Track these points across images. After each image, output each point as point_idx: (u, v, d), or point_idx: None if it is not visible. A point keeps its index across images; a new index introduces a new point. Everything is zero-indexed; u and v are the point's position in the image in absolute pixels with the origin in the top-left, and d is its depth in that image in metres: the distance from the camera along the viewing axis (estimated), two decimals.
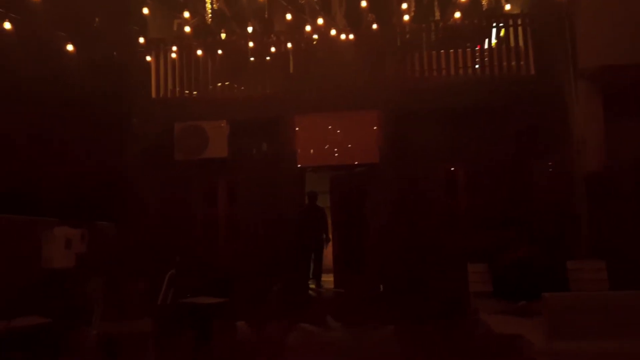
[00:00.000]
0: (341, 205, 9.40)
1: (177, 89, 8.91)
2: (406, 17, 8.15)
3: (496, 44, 8.86)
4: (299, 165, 8.49)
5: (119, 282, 5.59)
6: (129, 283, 5.70)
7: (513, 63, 8.36)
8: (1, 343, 3.95)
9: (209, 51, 8.81)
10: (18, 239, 5.89)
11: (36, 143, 6.68)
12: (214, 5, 8.56)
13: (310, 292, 8.67)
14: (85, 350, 4.55)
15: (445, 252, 7.62)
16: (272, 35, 8.84)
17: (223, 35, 8.99)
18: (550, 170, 7.83)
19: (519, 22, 8.44)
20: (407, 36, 8.66)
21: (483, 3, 8.66)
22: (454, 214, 8.11)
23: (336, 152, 8.43)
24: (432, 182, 8.31)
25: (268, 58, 8.72)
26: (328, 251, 9.57)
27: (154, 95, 8.85)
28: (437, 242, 7.89)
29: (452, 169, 8.47)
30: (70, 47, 6.38)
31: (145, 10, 7.91)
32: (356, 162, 8.43)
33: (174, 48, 8.75)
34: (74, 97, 7.01)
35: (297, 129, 8.50)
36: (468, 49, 8.48)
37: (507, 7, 9.43)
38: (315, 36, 8.65)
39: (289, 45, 8.65)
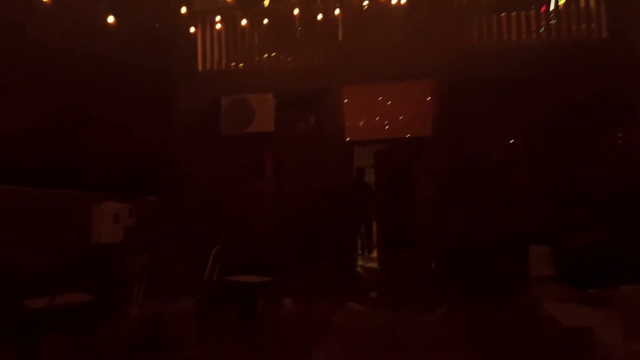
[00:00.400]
0: (387, 180, 9.01)
1: (223, 61, 8.70)
2: None
3: (563, 4, 8.06)
4: (347, 139, 8.15)
5: (164, 259, 5.52)
6: (174, 260, 5.63)
7: (583, 25, 7.60)
8: (42, 320, 3.93)
9: (254, 21, 8.51)
10: (68, 214, 5.91)
11: (83, 119, 6.65)
12: None
13: (358, 269, 8.42)
14: (126, 329, 4.51)
15: (504, 232, 7.14)
16: (319, 2, 8.42)
17: (267, 2, 8.65)
18: (624, 143, 7.11)
19: None
20: None
21: None
22: (513, 191, 7.54)
23: (386, 124, 8.02)
24: (489, 157, 7.78)
25: (315, 26, 8.32)
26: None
27: (199, 68, 8.69)
28: (494, 222, 7.41)
29: (512, 141, 7.87)
30: (111, 19, 6.25)
31: None
32: (408, 135, 7.98)
33: (218, 18, 8.50)
34: (119, 72, 6.92)
35: (345, 100, 8.13)
36: (532, 11, 7.77)
37: None
38: (365, 1, 8.16)
39: (337, 11, 8.21)
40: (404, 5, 7.85)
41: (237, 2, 8.14)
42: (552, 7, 8.07)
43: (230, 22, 8.55)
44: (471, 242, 7.50)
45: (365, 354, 4.72)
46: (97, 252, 5.74)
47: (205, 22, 8.63)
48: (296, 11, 8.25)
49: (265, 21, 8.50)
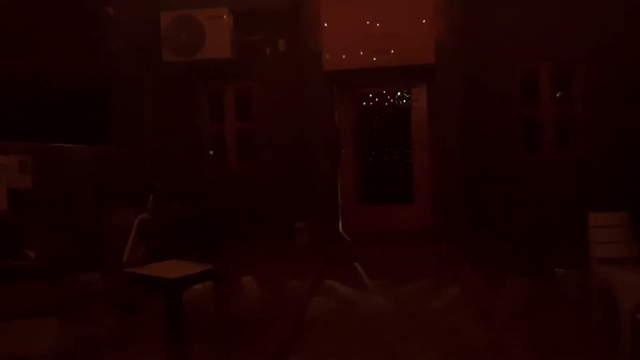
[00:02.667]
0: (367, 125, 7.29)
1: None
2: None
3: None
4: (325, 70, 6.32)
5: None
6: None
7: None
8: None
9: None
10: None
11: None
12: None
13: (342, 233, 6.82)
14: None
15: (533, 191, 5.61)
16: None
17: None
18: None
19: None
20: None
21: None
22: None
23: (377, 50, 6.18)
24: (512, 87, 6.14)
25: None
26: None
27: None
28: (518, 177, 5.87)
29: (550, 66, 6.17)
30: None
31: None
32: (404, 64, 6.17)
33: None
34: None
35: (323, 19, 6.24)
36: None
37: None
38: None
39: None
40: None
41: None
42: None
43: None
44: (477, 200, 5.98)
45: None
46: None
47: None
48: None
49: None
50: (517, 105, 6.22)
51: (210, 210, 4.98)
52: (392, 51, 6.10)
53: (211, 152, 6.96)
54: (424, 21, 6.04)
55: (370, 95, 7.16)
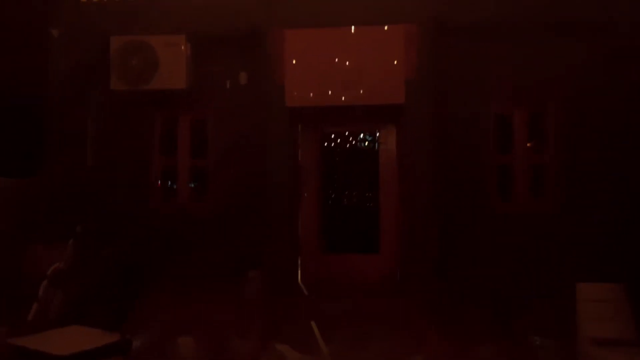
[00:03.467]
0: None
1: None
2: None
3: None
4: (289, 106, 5.85)
5: None
6: None
7: None
8: None
9: None
10: None
11: None
12: None
13: (301, 284, 6.20)
14: None
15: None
16: None
17: None
18: None
19: None
20: None
21: None
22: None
23: (345, 88, 5.74)
24: (484, 133, 5.79)
25: None
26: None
27: None
28: (491, 227, 5.44)
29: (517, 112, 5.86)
30: None
31: None
32: (374, 103, 5.74)
33: None
34: None
35: (287, 52, 5.81)
36: None
37: None
38: None
39: None
40: None
41: None
42: None
43: None
44: (449, 252, 5.52)
45: None
46: None
47: None
48: None
49: None
50: (490, 151, 5.86)
51: (145, 255, 4.34)
52: (361, 90, 5.67)
53: (192, 185, 6.37)
54: (395, 62, 5.65)
55: (336, 135, 6.68)
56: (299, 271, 6.28)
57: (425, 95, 5.63)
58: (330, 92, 5.69)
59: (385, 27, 5.66)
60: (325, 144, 6.64)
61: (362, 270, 6.38)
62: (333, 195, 6.77)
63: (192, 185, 6.38)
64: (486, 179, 5.84)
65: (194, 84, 5.96)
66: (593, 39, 5.40)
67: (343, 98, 5.66)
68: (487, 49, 5.65)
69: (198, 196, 6.36)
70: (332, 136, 6.70)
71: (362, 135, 6.76)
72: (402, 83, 5.62)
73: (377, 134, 6.55)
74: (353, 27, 5.70)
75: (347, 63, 5.68)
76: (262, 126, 5.92)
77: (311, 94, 5.75)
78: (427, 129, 5.64)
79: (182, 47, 5.82)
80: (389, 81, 5.64)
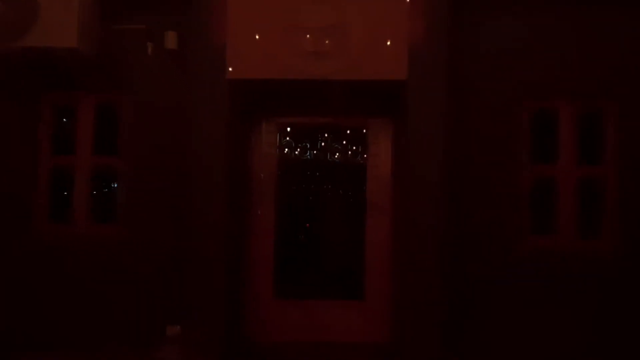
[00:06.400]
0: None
1: None
2: None
3: None
4: (229, 78, 3.87)
5: None
6: None
7: None
8: None
9: None
10: None
11: None
12: None
13: (246, 345, 4.21)
14: None
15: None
16: None
17: None
18: None
19: None
20: None
21: None
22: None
23: (316, 54, 3.80)
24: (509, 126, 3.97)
25: None
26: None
27: None
28: (524, 275, 3.71)
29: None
30: None
31: None
32: (360, 79, 3.81)
33: None
34: None
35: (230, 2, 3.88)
36: None
37: None
38: None
39: None
40: None
41: None
42: None
43: None
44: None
45: None
46: None
47: None
48: None
49: None
50: (521, 159, 4.03)
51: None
52: (342, 58, 3.75)
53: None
54: (394, 19, 3.76)
55: (304, 131, 4.68)
56: (245, 325, 4.32)
57: (439, 72, 3.77)
58: (295, 60, 3.75)
59: None
60: (286, 143, 4.65)
61: (340, 324, 4.43)
62: (299, 216, 4.78)
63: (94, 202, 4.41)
64: (518, 201, 3.99)
65: (98, 47, 4.03)
66: None
67: (313, 69, 3.72)
68: (524, 20, 3.87)
69: (103, 214, 4.38)
70: (297, 132, 4.68)
71: (342, 132, 4.75)
72: (404, 51, 3.74)
73: (364, 131, 4.62)
74: None
75: (322, 17, 3.75)
76: (196, 112, 3.98)
77: (266, 63, 3.80)
78: (439, 123, 3.77)
79: None
80: (385, 47, 3.74)
